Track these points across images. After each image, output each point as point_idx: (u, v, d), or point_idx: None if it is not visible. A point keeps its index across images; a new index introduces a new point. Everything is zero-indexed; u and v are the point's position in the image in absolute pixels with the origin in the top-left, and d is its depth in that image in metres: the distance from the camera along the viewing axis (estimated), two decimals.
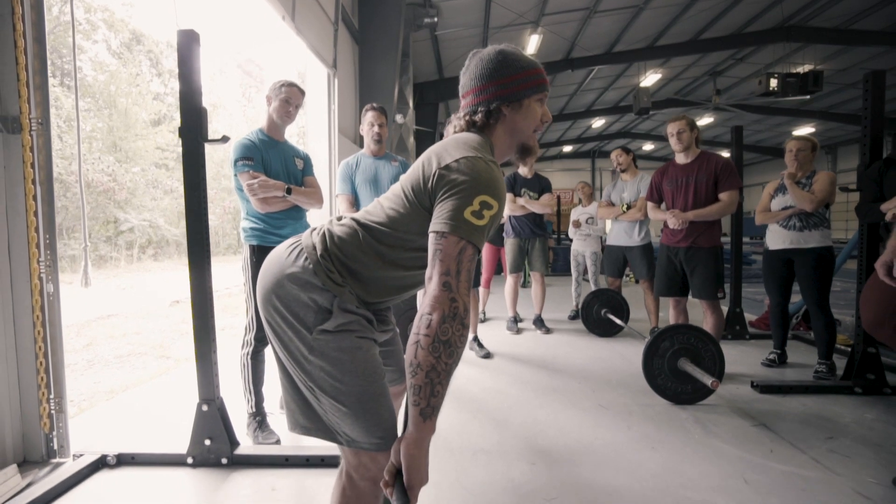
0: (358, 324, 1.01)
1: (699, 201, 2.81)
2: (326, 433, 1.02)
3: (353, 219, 1.08)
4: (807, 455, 1.95)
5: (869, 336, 2.58)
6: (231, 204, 20.34)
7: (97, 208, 16.22)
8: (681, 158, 2.92)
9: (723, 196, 2.77)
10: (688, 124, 2.84)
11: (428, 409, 0.87)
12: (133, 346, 4.50)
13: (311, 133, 6.01)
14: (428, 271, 0.92)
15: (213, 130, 1.87)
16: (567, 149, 24.53)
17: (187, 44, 1.90)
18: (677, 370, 2.49)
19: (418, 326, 0.88)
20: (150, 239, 18.06)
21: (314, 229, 1.11)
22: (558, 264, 9.35)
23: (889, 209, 2.21)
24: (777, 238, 2.99)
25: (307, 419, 1.04)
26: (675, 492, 1.71)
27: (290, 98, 2.23)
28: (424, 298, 0.90)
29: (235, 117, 25.50)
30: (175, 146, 20.62)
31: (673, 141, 2.87)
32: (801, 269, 2.89)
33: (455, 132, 1.12)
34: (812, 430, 2.20)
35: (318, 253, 1.02)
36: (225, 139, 1.95)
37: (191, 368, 3.29)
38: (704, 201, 2.80)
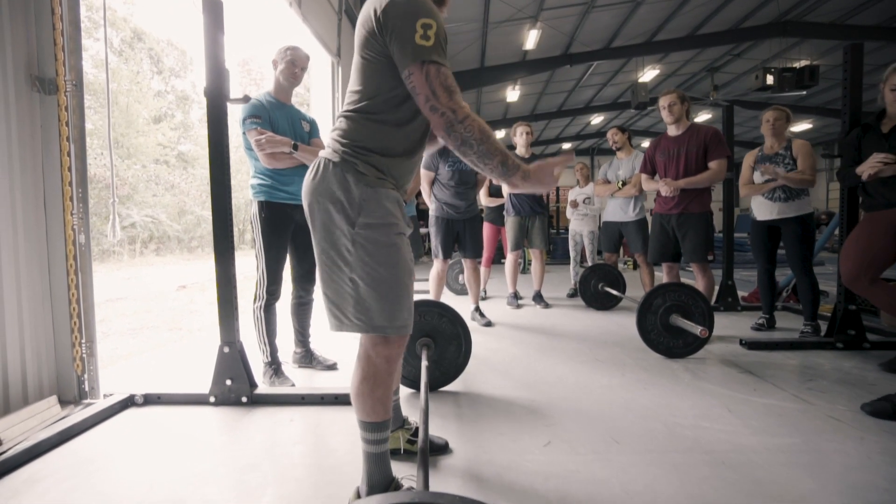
0: (393, 217, 1.16)
1: (690, 170, 2.96)
2: (357, 325, 1.16)
3: (342, 115, 1.21)
4: (787, 392, 2.10)
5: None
6: (233, 202, 20.47)
7: (99, 203, 16.33)
8: (672, 130, 3.07)
9: (712, 164, 2.92)
10: (679, 97, 2.99)
11: (507, 170, 1.09)
12: (145, 322, 4.64)
13: (316, 121, 6.15)
14: (421, 108, 1.09)
15: None
16: (566, 146, 24.67)
17: (212, 10, 2.05)
18: (669, 325, 2.64)
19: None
20: (151, 234, 18.19)
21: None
22: (557, 252, 9.51)
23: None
24: (763, 210, 3.16)
25: (343, 315, 1.17)
26: (666, 419, 1.85)
27: (295, 60, 2.36)
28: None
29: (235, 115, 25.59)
30: (175, 144, 20.77)
31: (665, 114, 3.03)
32: (787, 236, 3.07)
33: None
34: (794, 375, 2.35)
35: (335, 154, 1.17)
36: (246, 98, 2.10)
37: (204, 338, 3.45)
38: (695, 170, 2.95)
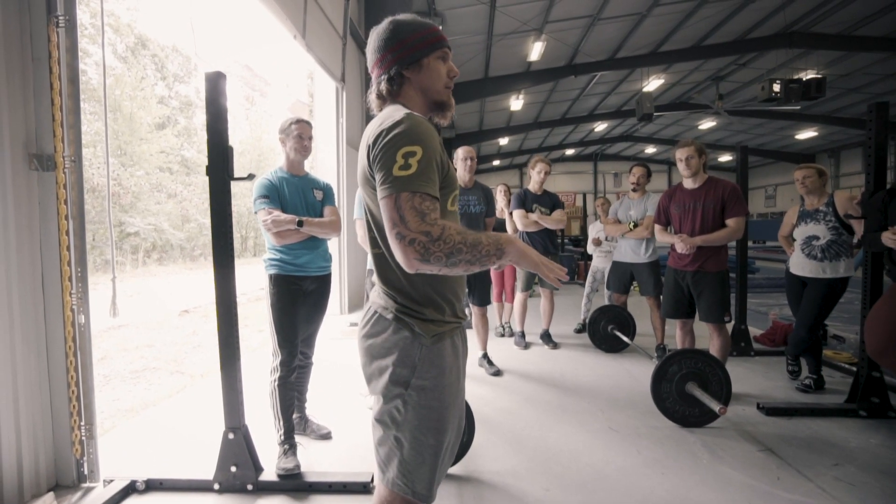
0: (449, 376, 1.10)
1: (706, 226, 2.87)
2: (398, 486, 1.09)
3: (388, 266, 1.13)
4: (813, 483, 2.02)
5: (873, 361, 2.64)
6: (235, 208, 20.43)
7: (102, 212, 16.30)
8: (688, 183, 2.98)
9: (730, 222, 2.83)
10: (696, 150, 2.90)
11: (500, 251, 1.00)
12: (146, 360, 4.58)
13: (320, 144, 6.08)
14: (389, 239, 0.98)
15: None
16: (570, 152, 24.61)
17: (215, 85, 1.98)
18: (685, 394, 2.56)
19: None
20: (154, 243, 18.18)
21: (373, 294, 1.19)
22: None
23: (890, 239, 2.27)
24: (797, 264, 3.16)
25: (386, 471, 1.11)
26: None
27: (301, 133, 2.33)
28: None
29: (238, 120, 25.58)
30: (179, 149, 20.72)
31: (681, 166, 2.93)
32: (809, 292, 3.05)
33: (374, 107, 1.19)
34: (818, 455, 2.26)
35: (387, 310, 1.10)
36: (251, 177, 2.03)
37: (206, 385, 3.38)
38: (711, 226, 2.86)
